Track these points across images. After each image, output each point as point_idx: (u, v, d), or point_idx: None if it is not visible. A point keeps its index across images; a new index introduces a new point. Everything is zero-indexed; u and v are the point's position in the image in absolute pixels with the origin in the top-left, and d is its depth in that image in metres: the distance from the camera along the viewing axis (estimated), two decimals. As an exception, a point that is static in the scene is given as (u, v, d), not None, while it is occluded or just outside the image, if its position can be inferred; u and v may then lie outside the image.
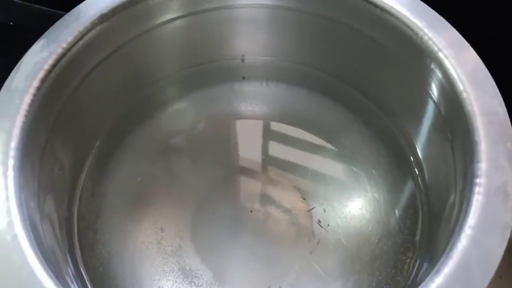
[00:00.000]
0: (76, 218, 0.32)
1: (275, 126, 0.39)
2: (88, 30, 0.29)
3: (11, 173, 0.24)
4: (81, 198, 0.32)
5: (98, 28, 0.29)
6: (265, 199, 0.36)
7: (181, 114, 0.38)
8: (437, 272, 0.20)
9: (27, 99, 0.26)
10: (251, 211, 0.35)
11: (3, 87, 0.26)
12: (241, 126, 0.39)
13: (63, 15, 0.29)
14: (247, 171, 0.37)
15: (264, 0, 0.33)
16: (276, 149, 0.38)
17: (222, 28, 0.35)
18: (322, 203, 0.35)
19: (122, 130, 0.36)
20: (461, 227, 0.22)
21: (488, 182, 0.23)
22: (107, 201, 0.34)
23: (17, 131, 0.25)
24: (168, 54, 0.35)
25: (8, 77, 0.26)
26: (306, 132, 0.38)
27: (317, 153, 0.37)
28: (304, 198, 0.35)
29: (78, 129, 0.31)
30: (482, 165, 0.23)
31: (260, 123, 0.39)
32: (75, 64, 0.29)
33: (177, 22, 0.33)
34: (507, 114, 0.24)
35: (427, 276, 0.21)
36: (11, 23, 0.44)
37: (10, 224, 0.22)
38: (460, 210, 0.23)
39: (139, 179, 0.35)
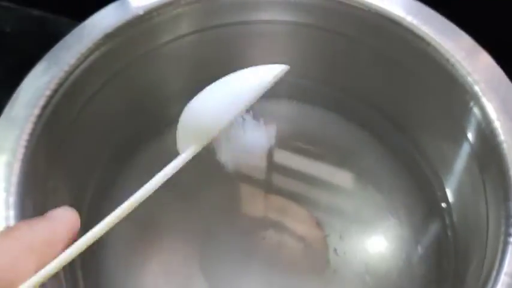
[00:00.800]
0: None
1: (288, 146, 0.37)
2: (91, 51, 0.27)
3: (11, 213, 0.22)
4: (85, 227, 0.31)
5: (102, 49, 0.27)
6: (278, 225, 0.34)
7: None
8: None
9: (28, 128, 0.24)
10: (263, 238, 0.33)
11: (3, 115, 0.25)
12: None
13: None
14: (258, 195, 0.35)
15: (282, 17, 0.31)
16: (289, 171, 0.36)
17: (233, 44, 0.33)
18: (338, 229, 0.33)
19: (126, 153, 0.34)
20: (498, 273, 0.20)
21: (527, 223, 0.21)
22: (110, 231, 0.32)
23: (17, 165, 0.23)
24: (176, 72, 0.34)
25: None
26: (321, 152, 0.36)
27: (333, 175, 0.36)
28: (319, 225, 0.34)
29: (81, 156, 0.30)
30: (519, 204, 0.21)
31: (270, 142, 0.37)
32: (78, 88, 0.27)
33: (186, 39, 0.31)
34: (544, 147, 0.23)
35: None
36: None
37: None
38: (495, 254, 0.21)
39: (144, 205, 0.33)
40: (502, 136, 0.23)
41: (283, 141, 0.37)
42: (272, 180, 0.36)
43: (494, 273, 0.21)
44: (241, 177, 0.36)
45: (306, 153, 0.36)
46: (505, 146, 0.23)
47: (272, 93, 0.37)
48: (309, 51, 0.33)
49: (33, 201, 0.24)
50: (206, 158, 0.36)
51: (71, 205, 0.28)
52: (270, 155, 0.36)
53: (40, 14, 0.46)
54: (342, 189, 0.35)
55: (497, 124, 0.24)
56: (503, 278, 0.20)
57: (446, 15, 0.27)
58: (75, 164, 0.29)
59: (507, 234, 0.21)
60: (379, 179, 0.35)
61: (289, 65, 0.34)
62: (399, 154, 0.34)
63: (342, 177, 0.35)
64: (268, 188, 0.36)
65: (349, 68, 0.33)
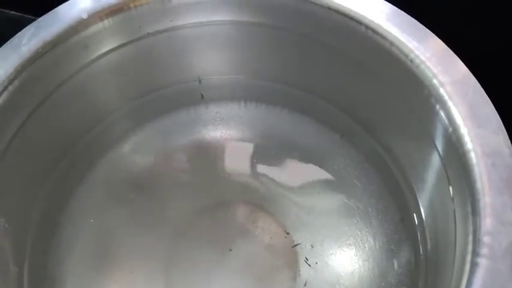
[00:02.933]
0: (29, 272, 0.28)
1: (255, 149, 0.36)
2: (30, 62, 0.25)
3: None
4: (34, 249, 0.29)
5: (43, 59, 0.26)
6: (245, 235, 0.33)
7: (146, 144, 0.35)
8: None
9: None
10: (230, 249, 0.32)
11: None
12: (215, 152, 0.36)
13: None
14: (223, 205, 0.34)
15: (235, 17, 0.29)
16: (256, 177, 0.35)
17: (179, 49, 0.32)
18: (308, 238, 0.32)
19: (77, 170, 0.33)
20: (464, 297, 0.18)
21: (494, 242, 0.19)
22: (68, 246, 0.31)
23: None
24: (123, 81, 0.32)
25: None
26: (290, 157, 0.35)
27: (303, 180, 0.35)
28: (288, 233, 0.32)
29: (24, 175, 0.28)
30: (487, 221, 0.20)
31: (237, 148, 0.36)
32: (16, 103, 0.25)
33: (137, 43, 0.29)
34: (514, 156, 0.21)
35: None
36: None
37: None
38: (462, 273, 0.20)
39: (103, 220, 0.32)
40: (469, 144, 0.22)
41: (251, 146, 0.36)
42: (240, 188, 0.35)
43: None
44: (205, 185, 0.34)
45: (275, 157, 0.35)
46: (472, 155, 0.21)
47: (239, 96, 0.36)
48: (271, 53, 0.32)
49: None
50: (166, 167, 0.35)
51: (15, 227, 0.27)
52: (235, 160, 0.35)
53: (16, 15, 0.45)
54: (313, 195, 0.34)
55: (464, 131, 0.22)
56: (468, 303, 0.18)
57: (414, 14, 0.25)
58: (16, 185, 0.28)
59: (474, 254, 0.20)
60: (351, 184, 0.33)
61: (251, 68, 0.33)
62: (371, 158, 0.33)
63: (312, 183, 0.34)
64: (233, 196, 0.34)
65: (315, 70, 0.32)
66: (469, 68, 0.24)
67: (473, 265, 0.19)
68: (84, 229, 0.32)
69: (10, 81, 0.25)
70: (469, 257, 0.20)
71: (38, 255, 0.30)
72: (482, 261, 0.19)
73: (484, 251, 0.19)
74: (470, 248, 0.20)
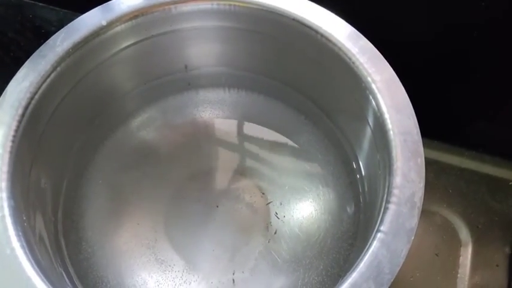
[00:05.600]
0: (61, 221, 0.36)
1: (237, 127, 0.43)
2: (63, 59, 0.32)
3: (3, 194, 0.28)
4: (65, 203, 0.37)
5: (72, 57, 0.33)
6: (230, 195, 0.40)
7: (150, 121, 0.42)
8: (354, 270, 0.26)
9: (14, 125, 0.30)
10: (217, 206, 0.39)
11: (-8, 116, 0.30)
12: (204, 129, 0.43)
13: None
14: (213, 170, 0.41)
15: (218, 22, 0.36)
16: (239, 149, 0.42)
17: (184, 45, 0.39)
18: (279, 197, 0.39)
19: (96, 141, 0.40)
20: (376, 231, 0.27)
21: (400, 193, 0.28)
22: (88, 203, 0.39)
23: (6, 156, 0.29)
24: (133, 70, 0.39)
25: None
26: (265, 133, 0.42)
27: (276, 152, 0.42)
28: (263, 194, 0.40)
29: (58, 144, 0.35)
30: (397, 179, 0.28)
31: (224, 125, 0.43)
32: (53, 90, 0.32)
33: (143, 43, 0.37)
34: (420, 134, 0.29)
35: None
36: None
37: (8, 239, 0.27)
38: (378, 216, 0.28)
39: (116, 182, 0.40)
40: (389, 125, 0.30)
41: (235, 124, 0.43)
42: (226, 157, 0.42)
43: (375, 229, 0.27)
44: (197, 155, 0.42)
45: (253, 134, 0.42)
46: (391, 133, 0.29)
47: (223, 83, 0.43)
48: (250, 51, 0.39)
49: (20, 185, 0.30)
50: (166, 140, 0.42)
51: (53, 184, 0.35)
52: (221, 135, 0.43)
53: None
54: (282, 164, 0.41)
55: (387, 115, 0.30)
56: (379, 235, 0.27)
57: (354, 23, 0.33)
58: (53, 151, 0.35)
59: (387, 202, 0.28)
60: (313, 155, 0.41)
61: (234, 61, 0.40)
62: (328, 135, 0.40)
63: (283, 154, 0.41)
64: (221, 164, 0.42)
65: (284, 65, 0.39)
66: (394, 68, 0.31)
67: (386, 209, 0.27)
68: (100, 189, 0.39)
69: (49, 73, 0.32)
70: (383, 204, 0.28)
71: (66, 209, 0.37)
72: (392, 206, 0.27)
73: (393, 199, 0.27)
74: (385, 197, 0.28)
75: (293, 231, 0.38)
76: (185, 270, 0.37)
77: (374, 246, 0.26)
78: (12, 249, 0.26)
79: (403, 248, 0.26)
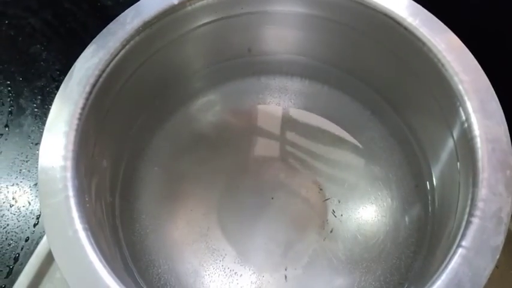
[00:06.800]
0: (118, 202, 0.36)
1: (298, 118, 0.41)
2: (132, 37, 0.31)
3: (68, 174, 0.27)
4: (122, 184, 0.36)
5: (141, 35, 0.32)
6: (286, 188, 0.39)
7: (210, 105, 0.41)
8: (432, 285, 0.24)
9: (81, 103, 0.29)
10: (272, 198, 0.38)
11: (59, 93, 0.30)
12: (263, 116, 0.42)
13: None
14: (270, 160, 0.40)
15: (295, 8, 0.35)
16: (298, 140, 0.41)
17: (253, 29, 0.37)
18: (337, 194, 0.38)
19: (157, 121, 0.39)
20: (458, 246, 0.25)
21: (485, 207, 0.26)
22: (144, 185, 0.38)
23: (72, 133, 0.28)
24: (199, 52, 0.38)
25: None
26: (327, 126, 0.41)
27: (336, 147, 0.40)
28: (321, 189, 0.39)
29: (120, 124, 0.35)
30: (483, 191, 0.26)
31: (284, 114, 0.41)
32: (121, 68, 0.32)
33: (211, 25, 0.35)
34: (510, 143, 0.27)
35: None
36: None
37: (71, 220, 0.26)
38: (459, 229, 0.26)
39: (172, 166, 0.39)
40: (476, 131, 0.28)
41: (295, 115, 0.41)
42: (284, 148, 0.41)
43: (454, 246, 0.26)
44: (256, 142, 0.41)
45: (314, 125, 0.41)
46: (477, 140, 0.27)
47: (287, 71, 0.42)
48: (320, 39, 0.37)
49: (84, 164, 0.29)
50: (226, 124, 0.41)
51: (113, 164, 0.34)
52: (282, 124, 0.41)
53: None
54: (343, 160, 0.39)
55: (474, 120, 0.28)
56: (460, 250, 0.25)
57: (443, 18, 0.30)
58: (115, 130, 0.34)
59: (470, 215, 0.26)
60: (376, 153, 0.39)
61: (302, 49, 0.38)
62: (395, 133, 0.38)
63: (344, 150, 0.40)
64: (279, 154, 0.40)
65: (356, 56, 0.37)
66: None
67: (468, 223, 0.25)
68: (156, 172, 0.38)
69: (118, 51, 0.31)
70: (465, 217, 0.26)
71: (122, 191, 0.37)
72: (476, 220, 0.25)
73: (477, 212, 0.25)
74: (467, 210, 0.26)
75: (350, 232, 0.37)
76: (236, 262, 0.36)
77: (454, 262, 0.25)
78: (75, 231, 0.26)
79: (486, 267, 0.24)
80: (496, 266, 0.41)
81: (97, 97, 0.30)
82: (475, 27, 0.31)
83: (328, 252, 0.36)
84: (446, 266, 0.25)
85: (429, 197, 0.35)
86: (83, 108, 0.29)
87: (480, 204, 0.26)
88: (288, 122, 0.41)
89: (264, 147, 0.41)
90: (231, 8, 0.35)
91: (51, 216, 0.26)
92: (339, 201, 0.38)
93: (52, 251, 0.25)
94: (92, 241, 0.26)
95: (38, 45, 0.52)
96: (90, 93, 0.30)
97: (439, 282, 0.24)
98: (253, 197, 0.38)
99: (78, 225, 0.26)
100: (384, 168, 0.38)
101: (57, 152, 0.28)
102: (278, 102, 0.42)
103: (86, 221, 0.27)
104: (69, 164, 0.28)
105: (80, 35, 0.53)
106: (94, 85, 0.30)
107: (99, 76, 0.30)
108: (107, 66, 0.30)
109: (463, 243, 0.25)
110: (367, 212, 0.37)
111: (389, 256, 0.35)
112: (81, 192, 0.28)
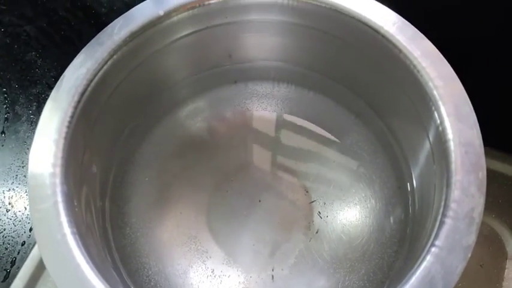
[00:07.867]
0: (108, 206, 0.37)
1: (284, 122, 0.42)
2: (120, 47, 0.32)
3: (57, 180, 0.28)
4: (112, 189, 0.37)
5: (129, 45, 0.33)
6: (273, 190, 0.40)
7: (198, 111, 0.42)
8: (405, 283, 0.25)
9: (70, 111, 0.30)
10: (260, 200, 0.39)
11: (49, 101, 0.31)
12: (250, 122, 0.42)
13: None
14: (257, 164, 0.41)
15: (279, 17, 0.36)
16: (285, 144, 0.42)
17: (236, 37, 0.38)
18: (323, 196, 0.39)
19: (144, 128, 0.41)
20: (431, 245, 0.26)
21: (458, 208, 0.27)
22: (133, 190, 0.39)
23: (61, 141, 0.29)
24: (186, 61, 0.39)
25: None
26: (313, 130, 0.42)
27: (322, 150, 0.41)
28: (307, 192, 0.40)
29: (109, 131, 0.36)
30: (456, 193, 0.27)
31: (270, 119, 0.42)
32: (109, 77, 0.33)
33: (196, 34, 0.36)
34: (482, 146, 0.28)
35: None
36: None
37: (59, 225, 0.27)
38: (433, 229, 0.27)
39: (161, 170, 0.40)
40: (450, 135, 0.28)
41: (282, 120, 0.42)
42: (271, 152, 0.42)
43: (429, 243, 0.26)
44: (243, 147, 0.42)
45: (300, 130, 0.42)
46: (451, 143, 0.28)
47: (273, 77, 0.43)
48: (304, 46, 0.38)
49: (73, 170, 0.30)
50: (213, 130, 0.42)
51: (102, 169, 0.35)
52: (268, 129, 0.42)
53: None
54: (329, 163, 0.40)
55: (448, 124, 0.29)
56: (433, 249, 0.26)
57: (418, 25, 0.31)
58: (105, 138, 0.35)
59: (443, 215, 0.27)
60: (361, 156, 0.40)
61: (286, 56, 0.39)
62: (379, 137, 0.39)
63: (329, 153, 0.41)
64: (266, 158, 0.41)
65: (338, 62, 0.38)
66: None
67: (442, 223, 0.26)
68: (146, 177, 0.39)
69: (106, 61, 0.32)
70: (439, 217, 0.27)
71: (113, 195, 0.38)
72: (448, 221, 0.26)
73: (450, 213, 0.26)
74: (441, 210, 0.27)
75: (335, 232, 0.38)
76: (225, 262, 0.37)
77: (427, 260, 0.26)
78: (64, 235, 0.27)
79: (458, 265, 0.25)
80: (480, 265, 0.42)
81: (85, 106, 0.31)
82: (450, 35, 0.32)
83: (313, 253, 0.37)
84: (420, 265, 0.26)
85: (410, 199, 0.36)
86: (71, 117, 0.30)
87: (453, 205, 0.27)
88: (274, 127, 0.42)
89: (251, 152, 0.42)
90: (216, 17, 0.36)
91: (40, 221, 0.27)
92: (325, 203, 0.39)
93: (41, 254, 0.26)
94: (80, 244, 0.27)
95: (34, 53, 0.53)
96: (78, 102, 0.31)
97: (412, 280, 0.25)
98: (241, 200, 0.39)
99: (67, 230, 0.27)
100: (368, 171, 0.39)
101: (46, 159, 0.29)
102: (265, 107, 0.43)
103: (75, 225, 0.28)
104: (58, 170, 0.29)
105: (74, 43, 0.54)
106: (82, 94, 0.31)
107: (87, 85, 0.31)
108: (95, 75, 0.31)
109: (437, 242, 0.26)
110: (352, 213, 0.38)
111: (373, 256, 0.36)
112: (70, 198, 0.29)
